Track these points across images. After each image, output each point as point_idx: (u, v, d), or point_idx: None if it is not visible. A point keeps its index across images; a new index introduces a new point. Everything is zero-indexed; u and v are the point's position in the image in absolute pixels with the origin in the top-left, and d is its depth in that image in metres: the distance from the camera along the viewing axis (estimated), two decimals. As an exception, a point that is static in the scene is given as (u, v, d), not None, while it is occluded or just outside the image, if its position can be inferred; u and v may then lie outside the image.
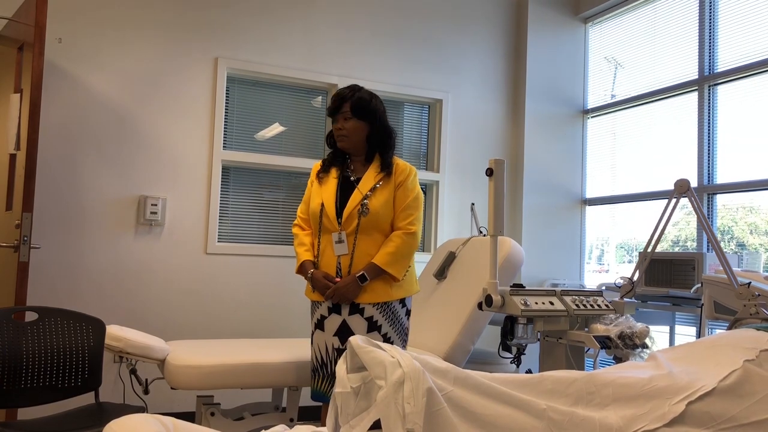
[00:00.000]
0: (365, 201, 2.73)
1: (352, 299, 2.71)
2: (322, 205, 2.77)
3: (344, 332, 2.73)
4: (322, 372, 2.77)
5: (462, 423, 1.38)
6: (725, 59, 4.12)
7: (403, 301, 2.81)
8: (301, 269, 2.83)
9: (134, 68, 4.03)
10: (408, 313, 2.84)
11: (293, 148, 4.49)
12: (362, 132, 2.80)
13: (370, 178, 2.79)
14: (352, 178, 2.82)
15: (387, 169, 2.80)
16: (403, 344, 2.84)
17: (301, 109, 4.55)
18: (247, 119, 4.38)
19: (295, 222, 2.95)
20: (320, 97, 4.61)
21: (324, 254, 2.77)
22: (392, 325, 2.76)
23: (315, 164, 2.97)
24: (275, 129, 4.47)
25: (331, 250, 2.75)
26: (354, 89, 2.81)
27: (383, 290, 2.73)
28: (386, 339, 2.76)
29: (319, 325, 2.79)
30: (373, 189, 2.76)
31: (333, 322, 2.75)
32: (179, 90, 4.13)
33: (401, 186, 2.80)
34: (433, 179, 4.79)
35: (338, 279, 2.72)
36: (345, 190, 2.80)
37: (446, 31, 4.89)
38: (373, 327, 2.73)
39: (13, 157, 3.50)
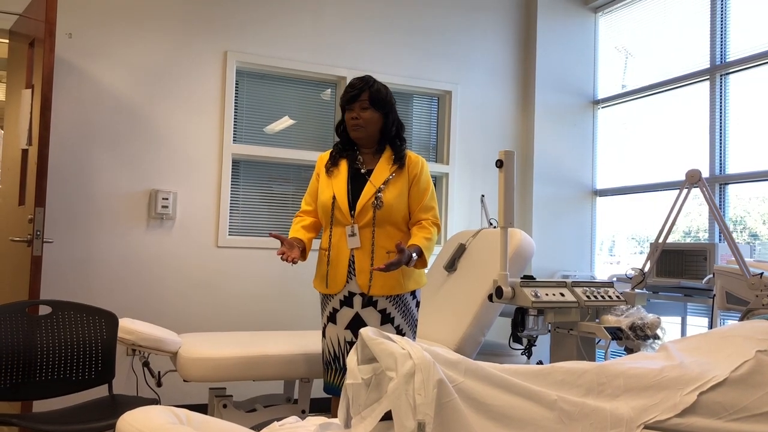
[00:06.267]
0: (379, 194, 2.72)
1: (400, 266, 2.61)
2: (334, 197, 2.76)
3: (357, 325, 2.72)
4: (334, 365, 2.77)
5: (473, 414, 1.39)
6: (737, 48, 4.08)
7: (413, 293, 2.80)
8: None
9: (144, 63, 4.04)
10: (418, 304, 2.84)
11: (303, 141, 4.50)
12: (377, 123, 2.78)
13: (382, 170, 2.77)
14: (362, 171, 2.80)
15: (400, 161, 2.79)
16: (414, 336, 2.84)
17: (310, 102, 4.55)
18: (256, 113, 4.39)
19: (298, 213, 2.94)
20: (329, 90, 4.61)
21: (336, 247, 2.76)
22: (404, 317, 2.76)
23: (321, 155, 2.93)
24: (285, 122, 4.48)
25: (344, 243, 2.74)
26: (369, 80, 2.79)
27: (397, 282, 2.73)
28: (399, 331, 2.75)
29: (331, 318, 2.78)
30: (386, 182, 2.75)
31: (345, 315, 2.75)
32: (189, 84, 4.14)
33: (416, 181, 2.78)
34: (442, 171, 4.79)
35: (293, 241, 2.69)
36: (356, 182, 2.77)
37: (455, 22, 4.87)
38: (386, 319, 2.73)
39: (25, 152, 3.53)
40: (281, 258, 2.64)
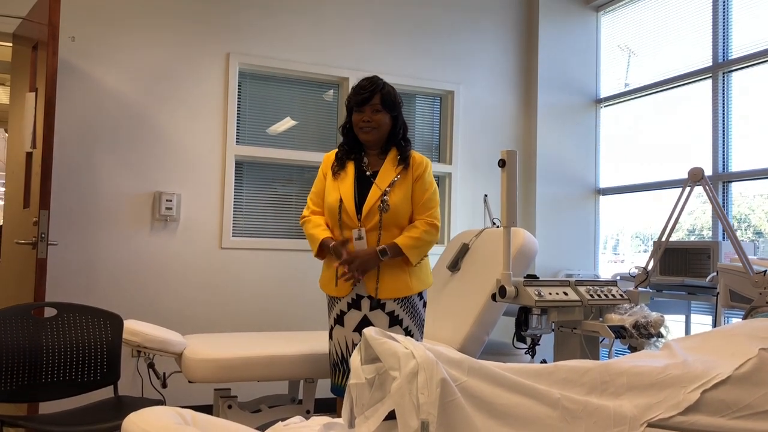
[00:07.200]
0: (385, 197, 2.71)
1: (367, 271, 2.67)
2: (341, 200, 2.74)
3: (365, 328, 2.71)
4: (342, 367, 2.77)
5: (476, 413, 1.39)
6: (739, 45, 4.07)
7: (420, 294, 2.80)
8: (322, 249, 2.76)
9: (147, 65, 4.06)
10: (425, 304, 2.84)
11: (305, 142, 4.51)
12: (387, 125, 2.76)
13: (387, 172, 2.76)
14: (368, 173, 2.79)
15: (405, 161, 2.77)
16: (421, 336, 2.84)
17: (312, 103, 4.56)
18: (259, 114, 4.40)
19: (304, 214, 2.91)
20: (331, 91, 4.61)
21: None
22: (412, 319, 2.76)
23: (326, 155, 2.91)
24: (287, 123, 4.49)
25: (352, 246, 2.72)
26: (379, 81, 2.77)
27: (404, 284, 2.72)
28: (407, 332, 2.74)
29: (339, 320, 2.78)
30: (392, 184, 2.73)
31: (352, 318, 2.74)
32: (192, 86, 4.15)
33: (419, 180, 2.77)
34: (445, 171, 4.79)
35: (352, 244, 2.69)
36: (362, 184, 2.76)
37: (457, 22, 4.88)
38: (394, 321, 2.72)
39: (29, 155, 3.54)
40: (347, 279, 2.66)
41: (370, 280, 2.71)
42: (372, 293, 2.71)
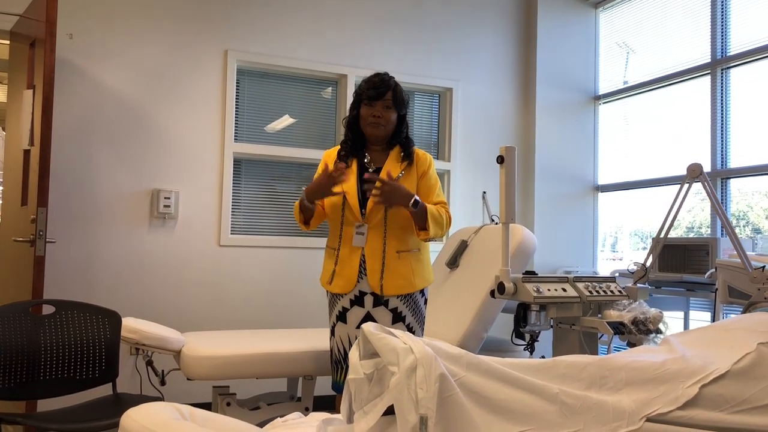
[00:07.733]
0: None
1: (392, 204, 2.62)
2: (344, 196, 2.73)
3: None
4: (344, 365, 2.76)
5: (475, 408, 1.39)
6: (738, 42, 4.07)
7: (422, 291, 2.80)
8: (302, 201, 2.70)
9: (145, 62, 4.05)
10: (426, 301, 2.84)
11: (304, 139, 4.50)
12: (394, 123, 2.78)
13: (392, 168, 2.74)
14: (370, 170, 2.78)
15: (409, 158, 2.78)
16: (422, 332, 2.84)
17: (311, 101, 4.55)
18: (257, 111, 4.40)
19: None
20: (330, 88, 4.61)
21: (347, 246, 2.74)
22: (414, 315, 2.76)
23: (327, 152, 2.90)
24: (286, 121, 4.48)
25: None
26: (390, 78, 2.77)
27: (408, 282, 2.72)
28: (409, 329, 2.74)
29: (341, 317, 2.77)
30: (397, 180, 2.70)
31: (356, 315, 2.74)
32: (190, 83, 4.14)
33: (424, 176, 2.78)
34: (444, 168, 4.79)
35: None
36: (365, 181, 2.76)
37: (455, 19, 4.87)
38: (397, 318, 2.72)
39: (27, 152, 3.54)
40: (375, 197, 2.59)
41: (375, 277, 2.71)
42: (377, 290, 2.71)
